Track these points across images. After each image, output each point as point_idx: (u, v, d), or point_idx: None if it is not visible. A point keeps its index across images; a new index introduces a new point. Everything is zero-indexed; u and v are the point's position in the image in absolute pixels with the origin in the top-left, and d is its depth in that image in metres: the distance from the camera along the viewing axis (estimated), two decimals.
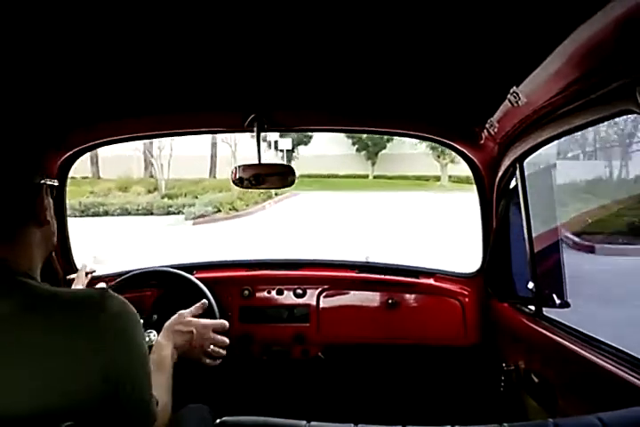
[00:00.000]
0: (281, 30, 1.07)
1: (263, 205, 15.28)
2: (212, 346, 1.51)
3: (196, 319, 1.51)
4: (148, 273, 1.96)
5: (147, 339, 1.63)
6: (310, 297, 2.09)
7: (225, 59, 1.24)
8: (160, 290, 2.00)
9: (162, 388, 1.05)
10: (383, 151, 21.13)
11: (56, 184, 1.05)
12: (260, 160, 1.81)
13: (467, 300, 2.04)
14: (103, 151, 19.92)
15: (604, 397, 1.12)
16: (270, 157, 19.03)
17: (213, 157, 20.47)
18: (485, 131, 1.63)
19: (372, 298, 2.08)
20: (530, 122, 1.34)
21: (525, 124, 1.37)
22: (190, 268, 2.10)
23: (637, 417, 0.75)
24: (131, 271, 1.98)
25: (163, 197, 16.10)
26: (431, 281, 2.10)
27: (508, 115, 1.40)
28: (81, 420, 0.80)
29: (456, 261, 3.11)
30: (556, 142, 1.38)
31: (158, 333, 1.46)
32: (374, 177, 21.11)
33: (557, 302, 1.54)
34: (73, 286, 1.87)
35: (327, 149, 19.74)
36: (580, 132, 1.23)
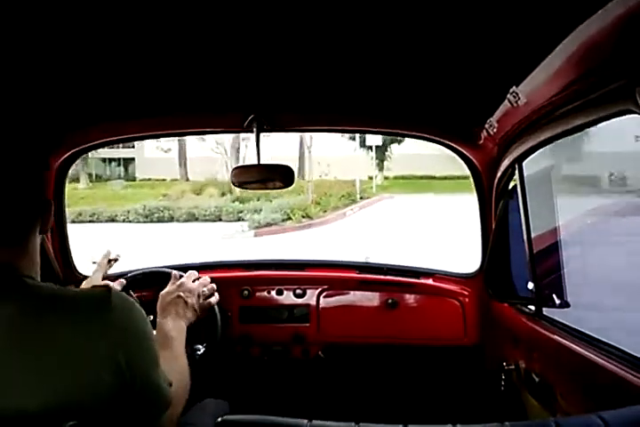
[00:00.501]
0: (280, 31, 1.07)
1: (344, 212, 13.30)
2: (202, 289, 1.59)
3: (173, 286, 1.55)
4: (147, 274, 1.96)
5: None
6: (310, 297, 2.09)
7: (224, 60, 1.24)
8: (159, 290, 1.99)
9: (169, 364, 1.05)
10: None
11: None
12: (259, 161, 1.81)
13: (467, 300, 2.04)
14: (191, 152, 19.64)
15: (605, 396, 1.12)
16: (361, 155, 17.62)
17: (301, 157, 19.36)
18: (484, 131, 1.63)
19: (371, 298, 2.08)
20: (529, 122, 1.34)
21: (525, 124, 1.37)
22: (190, 268, 2.09)
23: (639, 416, 0.75)
24: (131, 272, 1.98)
25: (233, 201, 14.25)
26: (431, 281, 2.11)
27: (508, 115, 1.40)
28: (88, 418, 0.81)
29: None
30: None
31: None
32: None
33: (557, 301, 1.55)
34: (93, 274, 1.88)
35: (421, 148, 17.57)
36: None
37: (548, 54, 1.00)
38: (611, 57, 0.86)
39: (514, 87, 1.22)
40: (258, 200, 13.82)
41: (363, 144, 16.86)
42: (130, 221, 13.66)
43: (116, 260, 1.94)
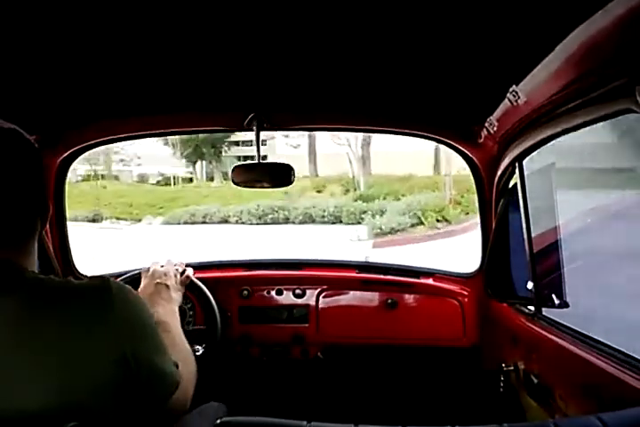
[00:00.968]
0: (280, 29, 1.07)
1: None
2: (175, 268, 1.65)
3: (146, 279, 1.58)
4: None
5: None
6: (309, 297, 2.09)
7: (224, 58, 1.24)
8: None
9: (170, 348, 1.04)
10: None
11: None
12: (259, 159, 1.81)
13: (466, 300, 2.04)
14: (321, 148, 18.58)
15: (604, 397, 1.12)
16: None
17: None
18: (485, 130, 1.63)
19: (371, 298, 2.08)
20: (529, 121, 1.34)
21: (525, 122, 1.37)
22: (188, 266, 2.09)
23: (639, 418, 0.75)
24: (130, 271, 1.98)
25: (355, 200, 12.10)
26: (430, 281, 2.10)
27: (508, 113, 1.40)
28: (92, 416, 0.81)
29: None
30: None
31: None
32: None
33: (557, 302, 1.54)
34: None
35: None
36: None
37: (548, 53, 1.00)
38: (611, 56, 0.86)
39: (514, 86, 1.22)
40: (384, 199, 11.67)
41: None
42: (242, 223, 12.69)
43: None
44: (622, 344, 1.18)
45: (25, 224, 0.92)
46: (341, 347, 2.11)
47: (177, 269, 1.66)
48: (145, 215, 14.81)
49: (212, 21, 1.01)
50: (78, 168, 17.85)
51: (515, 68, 1.14)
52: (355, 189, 13.57)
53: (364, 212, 11.08)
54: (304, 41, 1.14)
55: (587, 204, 4.27)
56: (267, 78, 1.41)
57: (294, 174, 1.81)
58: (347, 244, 8.76)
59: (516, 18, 0.95)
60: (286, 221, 12.16)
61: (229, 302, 2.06)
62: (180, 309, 1.84)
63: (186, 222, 13.31)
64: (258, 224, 12.17)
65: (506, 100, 1.31)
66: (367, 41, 1.12)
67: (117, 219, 14.69)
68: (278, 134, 15.38)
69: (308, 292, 2.09)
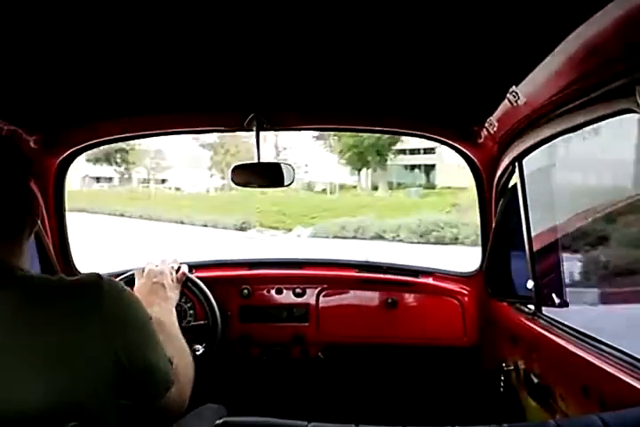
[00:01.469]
0: (280, 29, 1.07)
1: None
2: (170, 265, 1.65)
3: (142, 278, 1.58)
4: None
5: None
6: (310, 296, 2.09)
7: (225, 58, 1.24)
8: None
9: (166, 347, 1.04)
10: None
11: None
12: (259, 159, 1.81)
13: (466, 299, 2.04)
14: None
15: (604, 397, 1.12)
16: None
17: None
18: (485, 130, 1.63)
19: (371, 297, 2.08)
20: (529, 121, 1.34)
21: (525, 123, 1.37)
22: (189, 267, 2.09)
23: (639, 417, 0.75)
24: (129, 271, 1.98)
25: None
26: (430, 280, 2.10)
27: (508, 114, 1.40)
28: (89, 415, 0.80)
29: None
30: None
31: None
32: None
33: (557, 301, 1.54)
34: None
35: None
36: None
37: (548, 54, 1.00)
38: (611, 57, 0.86)
39: (514, 86, 1.22)
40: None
41: None
42: (400, 240, 10.85)
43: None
44: None
45: (13, 225, 0.92)
46: (341, 346, 2.11)
47: (172, 267, 1.66)
48: (296, 225, 13.86)
49: (213, 21, 1.02)
50: None
51: (515, 69, 1.14)
52: None
53: None
54: (304, 41, 1.14)
55: None
56: (267, 78, 1.41)
57: (294, 175, 1.81)
58: None
59: (516, 18, 0.95)
60: (455, 240, 9.87)
61: (230, 301, 2.05)
62: (180, 308, 1.85)
63: (336, 236, 11.82)
64: (419, 243, 10.05)
65: (506, 100, 1.31)
66: (368, 41, 1.12)
67: (270, 228, 13.82)
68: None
69: (308, 291, 2.09)
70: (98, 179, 23.20)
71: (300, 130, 2.08)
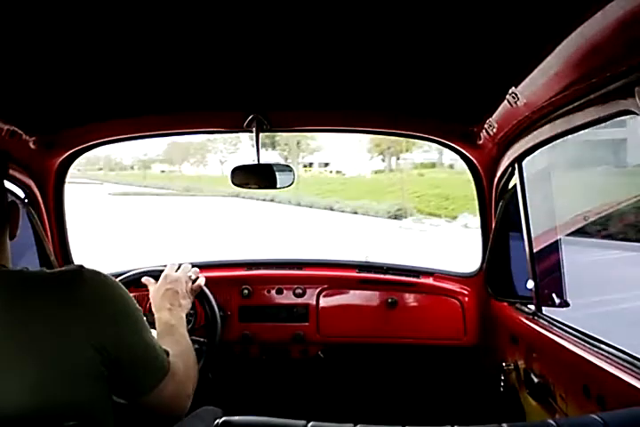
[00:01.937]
0: (281, 30, 1.07)
1: None
2: (188, 274, 1.62)
3: (160, 282, 1.57)
4: (147, 273, 1.96)
5: None
6: (310, 296, 2.09)
7: (224, 59, 1.24)
8: None
9: (173, 347, 1.07)
10: None
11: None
12: (259, 160, 1.81)
13: (466, 299, 2.04)
14: None
15: (604, 397, 1.12)
16: None
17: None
18: (484, 131, 1.63)
19: (371, 297, 2.08)
20: (529, 122, 1.34)
21: (524, 124, 1.37)
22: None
23: (639, 417, 0.75)
24: (129, 271, 1.98)
25: None
26: (431, 281, 2.11)
27: (507, 115, 1.40)
28: (87, 414, 0.81)
29: None
30: None
31: None
32: None
33: (557, 301, 1.55)
34: None
35: None
36: None
37: (547, 55, 1.00)
38: (610, 57, 0.86)
39: (513, 88, 1.22)
40: None
41: None
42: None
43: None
44: None
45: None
46: (341, 346, 2.12)
47: (189, 277, 1.63)
48: (462, 212, 11.16)
49: (212, 22, 1.02)
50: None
51: (514, 70, 1.14)
52: None
53: None
54: (304, 42, 1.14)
55: None
56: (267, 79, 1.42)
57: (295, 176, 1.81)
58: None
59: (516, 19, 0.96)
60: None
61: (230, 301, 2.06)
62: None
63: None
64: None
65: (505, 101, 1.31)
66: (368, 43, 1.13)
67: (429, 215, 11.84)
68: None
69: (308, 291, 2.10)
70: None
71: (300, 131, 2.08)
